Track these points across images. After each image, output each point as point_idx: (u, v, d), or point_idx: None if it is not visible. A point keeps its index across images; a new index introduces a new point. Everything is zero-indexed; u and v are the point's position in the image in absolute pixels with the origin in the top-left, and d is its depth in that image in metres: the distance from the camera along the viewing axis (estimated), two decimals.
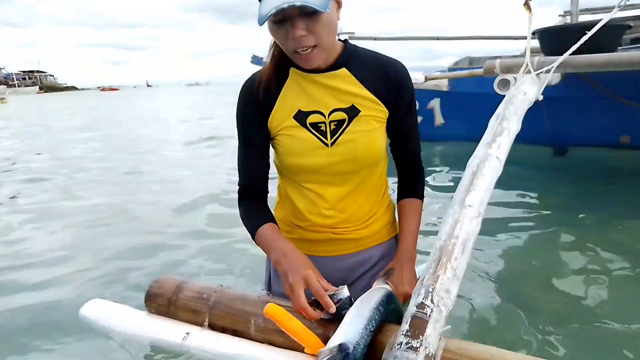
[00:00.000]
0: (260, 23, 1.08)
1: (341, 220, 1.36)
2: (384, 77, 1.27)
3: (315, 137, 1.27)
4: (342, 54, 1.26)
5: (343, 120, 1.25)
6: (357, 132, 1.26)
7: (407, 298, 1.21)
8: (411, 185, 1.44)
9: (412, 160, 1.43)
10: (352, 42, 1.31)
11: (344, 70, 1.26)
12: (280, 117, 1.29)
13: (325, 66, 1.25)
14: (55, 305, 2.13)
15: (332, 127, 1.26)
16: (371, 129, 1.27)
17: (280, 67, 1.29)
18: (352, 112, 1.25)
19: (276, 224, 1.34)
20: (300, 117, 1.27)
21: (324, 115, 1.26)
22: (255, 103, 1.30)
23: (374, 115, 1.27)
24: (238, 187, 1.38)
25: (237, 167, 1.38)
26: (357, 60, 1.27)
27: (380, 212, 1.43)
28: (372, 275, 1.44)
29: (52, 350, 1.77)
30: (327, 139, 1.26)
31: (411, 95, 1.31)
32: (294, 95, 1.28)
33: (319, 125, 1.26)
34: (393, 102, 1.29)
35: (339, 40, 1.29)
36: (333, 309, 1.09)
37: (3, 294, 2.33)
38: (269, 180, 1.38)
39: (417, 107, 1.39)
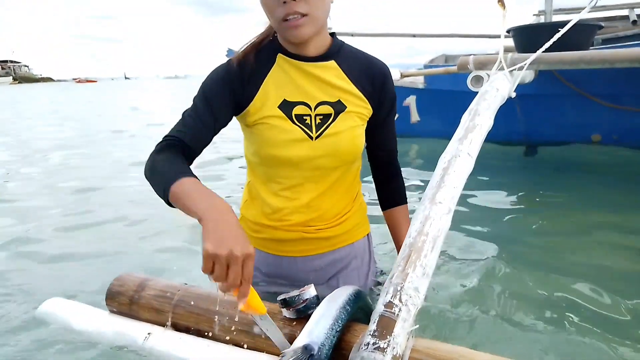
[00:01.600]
0: None
1: (314, 218, 1.33)
2: (369, 75, 1.28)
3: (299, 129, 1.23)
4: (331, 46, 1.26)
5: (329, 115, 1.23)
6: (341, 127, 1.24)
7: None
8: (395, 191, 1.48)
9: (390, 161, 1.46)
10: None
11: (332, 63, 1.25)
12: (263, 104, 1.23)
13: (315, 54, 1.23)
14: (10, 301, 2.04)
15: (318, 120, 1.23)
16: (354, 125, 1.26)
17: (261, 49, 1.26)
18: (339, 107, 1.24)
19: (196, 177, 1.04)
20: (286, 107, 1.22)
21: (310, 108, 1.22)
22: (234, 79, 1.21)
23: (359, 113, 1.27)
24: (163, 137, 1.16)
25: (175, 122, 1.20)
26: (345, 55, 1.27)
27: (352, 210, 1.42)
28: (345, 275, 1.41)
29: (6, 352, 1.70)
30: (312, 132, 1.23)
31: (393, 95, 1.34)
32: (280, 83, 1.23)
33: (304, 117, 1.22)
34: (377, 100, 1.30)
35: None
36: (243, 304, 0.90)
37: None
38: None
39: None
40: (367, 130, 1.33)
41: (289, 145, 1.23)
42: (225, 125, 1.25)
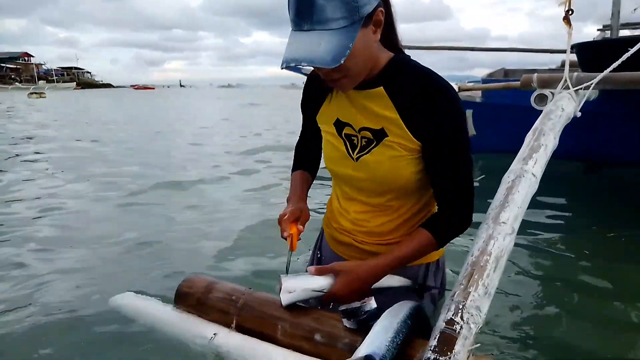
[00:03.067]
0: (281, 67, 1.06)
1: (361, 232, 1.35)
2: (423, 105, 1.13)
3: (345, 148, 1.26)
4: (384, 69, 1.16)
5: (371, 140, 1.21)
6: (381, 155, 1.20)
7: (328, 298, 1.19)
8: (435, 221, 1.23)
9: (445, 201, 1.22)
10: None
11: (380, 90, 1.16)
12: (324, 119, 1.32)
13: (362, 82, 1.17)
14: (85, 296, 2.18)
15: (363, 142, 1.22)
16: (397, 155, 1.18)
17: None
18: (380, 135, 1.19)
19: (308, 170, 1.53)
20: (338, 126, 1.27)
21: (355, 131, 1.24)
22: (310, 93, 1.38)
23: (402, 144, 1.17)
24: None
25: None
26: (400, 79, 1.16)
27: None
28: (391, 294, 1.38)
29: (80, 339, 1.81)
30: (353, 153, 1.25)
31: (454, 128, 1.14)
32: (338, 102, 1.27)
33: (352, 137, 1.25)
34: (428, 134, 1.15)
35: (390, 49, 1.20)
36: (286, 233, 1.29)
37: (36, 277, 2.41)
38: None
39: (468, 147, 1.18)
40: (425, 162, 1.21)
41: (338, 162, 1.29)
42: (319, 131, 1.38)
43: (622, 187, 4.50)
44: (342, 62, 1.00)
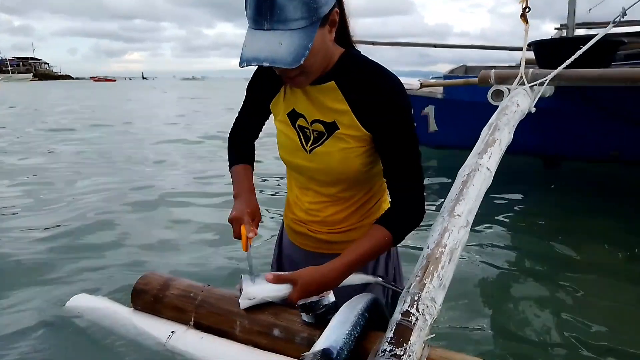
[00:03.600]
0: (240, 66, 1.05)
1: (314, 221, 1.40)
2: (373, 98, 1.16)
3: (298, 140, 1.29)
4: (336, 64, 1.19)
5: (322, 133, 1.24)
6: (332, 147, 1.23)
7: (288, 305, 1.20)
8: (389, 216, 1.24)
9: (397, 193, 1.23)
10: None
11: (332, 84, 1.19)
12: (278, 108, 1.32)
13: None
14: (41, 297, 2.12)
15: (315, 135, 1.25)
16: (348, 147, 1.21)
17: None
18: (331, 127, 1.22)
19: (249, 163, 1.48)
20: (293, 116, 1.28)
21: (308, 122, 1.26)
22: (263, 78, 1.34)
23: (353, 135, 1.20)
24: (231, 126, 1.51)
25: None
26: (351, 74, 1.19)
27: (364, 222, 1.39)
28: (350, 289, 1.40)
29: (36, 344, 1.76)
30: (307, 145, 1.27)
31: (402, 120, 1.17)
32: (293, 93, 1.27)
33: (305, 129, 1.27)
34: (377, 124, 1.18)
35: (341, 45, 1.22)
36: (251, 234, 1.23)
37: None
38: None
39: (416, 140, 1.21)
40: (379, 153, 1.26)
41: (290, 152, 1.32)
42: (265, 114, 1.42)
43: (581, 180, 4.67)
44: (301, 62, 1.01)
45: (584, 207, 3.70)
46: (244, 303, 1.19)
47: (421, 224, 1.23)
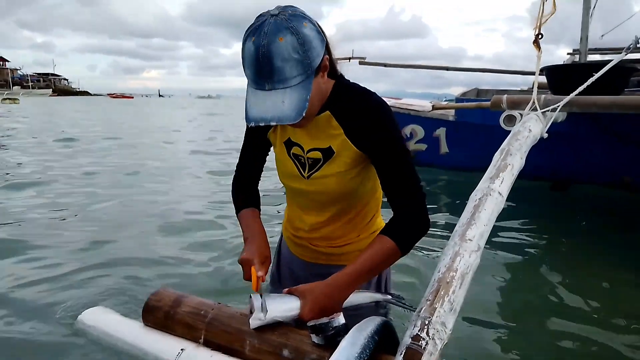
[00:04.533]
0: (248, 125, 1.13)
1: (316, 237, 1.46)
2: (363, 120, 1.24)
3: (295, 167, 1.36)
4: (329, 97, 1.26)
5: (319, 159, 1.31)
6: (330, 171, 1.30)
7: (300, 323, 1.20)
8: (392, 226, 1.25)
9: (398, 206, 1.25)
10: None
11: (326, 114, 1.27)
12: (275, 136, 1.39)
13: None
14: (55, 309, 2.14)
15: (310, 162, 1.33)
16: (344, 170, 1.29)
17: None
18: (328, 153, 1.29)
19: (256, 207, 1.50)
20: (288, 145, 1.36)
21: (303, 151, 1.33)
22: None
23: (348, 157, 1.28)
24: (235, 170, 1.54)
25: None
26: (342, 103, 1.27)
27: (361, 237, 1.46)
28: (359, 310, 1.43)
29: (47, 355, 1.78)
30: (304, 172, 1.35)
31: (391, 137, 1.24)
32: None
33: (300, 157, 1.34)
34: (370, 144, 1.25)
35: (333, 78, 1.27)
36: (260, 273, 1.26)
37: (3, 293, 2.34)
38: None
39: (407, 153, 1.26)
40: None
41: (290, 178, 1.40)
42: (266, 146, 1.46)
43: (586, 203, 4.63)
44: (303, 115, 1.09)
45: (591, 231, 3.67)
46: (254, 323, 1.20)
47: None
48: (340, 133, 1.26)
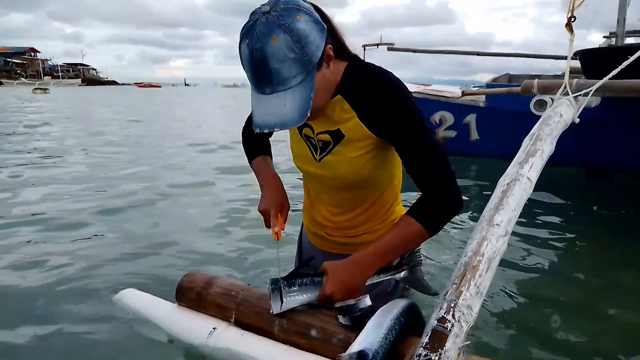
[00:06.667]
0: (255, 132, 1.09)
1: (329, 226, 1.46)
2: (377, 101, 1.18)
3: (307, 149, 1.33)
4: (341, 80, 1.21)
5: (329, 142, 1.27)
6: (340, 155, 1.26)
7: (322, 299, 1.19)
8: (418, 207, 1.22)
9: (424, 187, 1.22)
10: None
11: (338, 97, 1.22)
12: None
13: None
14: (90, 291, 2.23)
15: (320, 144, 1.29)
16: (357, 155, 1.24)
17: None
18: (337, 135, 1.25)
19: (268, 154, 1.53)
20: (300, 126, 1.26)
21: (313, 132, 1.29)
22: None
23: (361, 141, 1.23)
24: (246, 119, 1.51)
25: None
26: (354, 85, 1.21)
27: (377, 227, 1.42)
28: (385, 294, 1.45)
29: (84, 333, 1.86)
30: (316, 154, 1.32)
31: (410, 118, 1.18)
32: None
33: (311, 139, 1.31)
34: (387, 128, 1.19)
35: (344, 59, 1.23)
36: (276, 228, 1.31)
37: (40, 274, 2.45)
38: None
39: (427, 132, 1.20)
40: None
41: (302, 160, 1.37)
42: None
43: (623, 192, 4.52)
44: (309, 114, 1.06)
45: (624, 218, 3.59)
46: (276, 309, 1.22)
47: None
48: (353, 116, 1.21)
